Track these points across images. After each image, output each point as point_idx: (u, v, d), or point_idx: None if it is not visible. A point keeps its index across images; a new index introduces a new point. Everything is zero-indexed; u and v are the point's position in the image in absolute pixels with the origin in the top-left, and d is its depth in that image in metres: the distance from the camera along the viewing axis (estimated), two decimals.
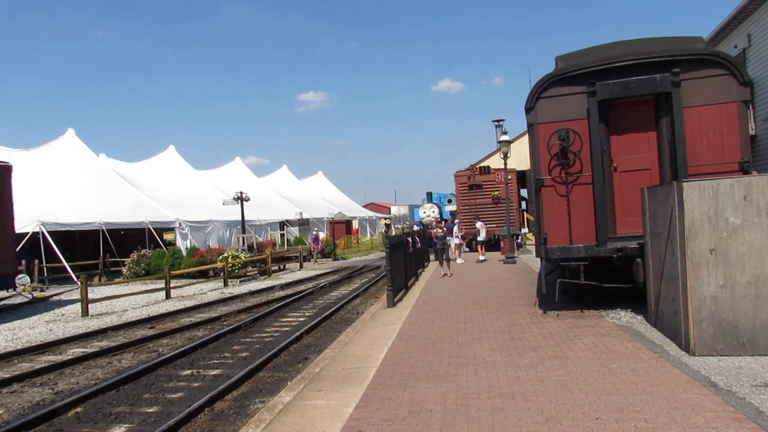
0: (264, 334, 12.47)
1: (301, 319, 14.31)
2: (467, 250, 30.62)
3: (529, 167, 11.06)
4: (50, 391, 8.74)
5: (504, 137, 23.22)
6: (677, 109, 9.77)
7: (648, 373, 6.53)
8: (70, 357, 10.80)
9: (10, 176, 18.47)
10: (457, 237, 25.90)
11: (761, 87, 17.26)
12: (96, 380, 9.18)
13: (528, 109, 10.66)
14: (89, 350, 11.40)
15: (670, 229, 7.79)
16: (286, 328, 13.04)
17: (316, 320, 13.29)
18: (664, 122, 10.05)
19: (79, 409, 7.60)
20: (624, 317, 9.80)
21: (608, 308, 10.45)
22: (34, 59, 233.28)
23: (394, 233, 36.58)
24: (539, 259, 11.47)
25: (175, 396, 8.12)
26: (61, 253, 26.15)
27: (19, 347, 12.02)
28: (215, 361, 10.19)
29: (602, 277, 10.51)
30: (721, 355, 7.13)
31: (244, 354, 10.59)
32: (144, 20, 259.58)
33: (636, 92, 10.08)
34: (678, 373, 6.50)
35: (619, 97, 10.18)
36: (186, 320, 14.92)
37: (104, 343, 12.19)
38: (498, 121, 25.32)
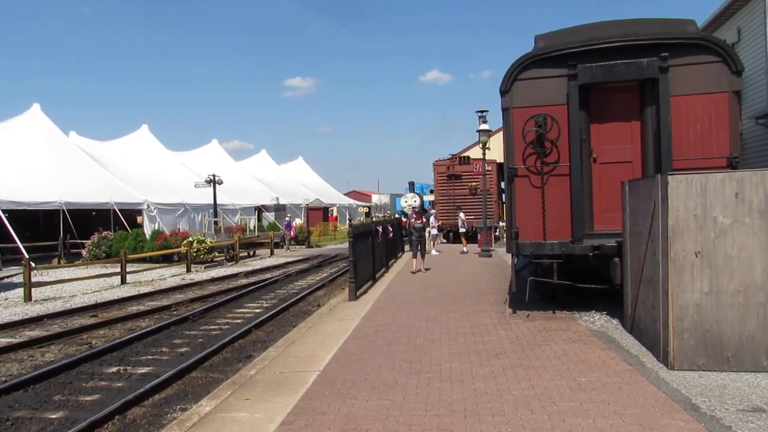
0: (212, 327, 11.52)
1: (257, 310, 13.37)
2: (444, 241, 29.92)
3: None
4: None
5: (483, 126, 22.40)
6: (664, 98, 8.97)
7: (621, 390, 5.73)
8: None
9: None
10: (434, 227, 25.18)
11: (749, 84, 16.51)
12: (8, 377, 8.15)
13: (503, 92, 9.76)
14: (15, 340, 10.33)
15: (651, 228, 6.99)
16: (238, 321, 12.10)
17: (271, 312, 12.36)
18: (649, 111, 9.26)
19: None
20: (598, 321, 9.05)
21: (582, 310, 9.70)
22: (32, 37, 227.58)
23: (373, 221, 35.63)
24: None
25: (89, 399, 7.14)
26: (22, 233, 24.84)
27: None
28: (149, 357, 9.22)
29: (577, 277, 9.74)
30: (702, 370, 6.36)
31: (184, 349, 9.63)
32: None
33: (620, 77, 9.27)
34: (655, 390, 5.71)
35: (601, 82, 9.36)
36: (134, 308, 13.89)
37: (35, 333, 11.14)
38: (481, 111, 24.36)
